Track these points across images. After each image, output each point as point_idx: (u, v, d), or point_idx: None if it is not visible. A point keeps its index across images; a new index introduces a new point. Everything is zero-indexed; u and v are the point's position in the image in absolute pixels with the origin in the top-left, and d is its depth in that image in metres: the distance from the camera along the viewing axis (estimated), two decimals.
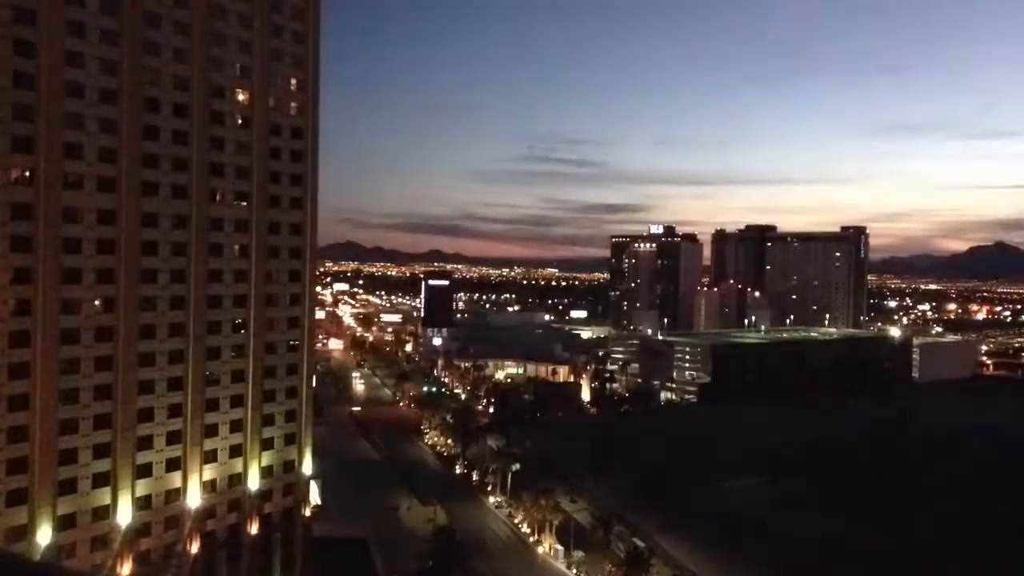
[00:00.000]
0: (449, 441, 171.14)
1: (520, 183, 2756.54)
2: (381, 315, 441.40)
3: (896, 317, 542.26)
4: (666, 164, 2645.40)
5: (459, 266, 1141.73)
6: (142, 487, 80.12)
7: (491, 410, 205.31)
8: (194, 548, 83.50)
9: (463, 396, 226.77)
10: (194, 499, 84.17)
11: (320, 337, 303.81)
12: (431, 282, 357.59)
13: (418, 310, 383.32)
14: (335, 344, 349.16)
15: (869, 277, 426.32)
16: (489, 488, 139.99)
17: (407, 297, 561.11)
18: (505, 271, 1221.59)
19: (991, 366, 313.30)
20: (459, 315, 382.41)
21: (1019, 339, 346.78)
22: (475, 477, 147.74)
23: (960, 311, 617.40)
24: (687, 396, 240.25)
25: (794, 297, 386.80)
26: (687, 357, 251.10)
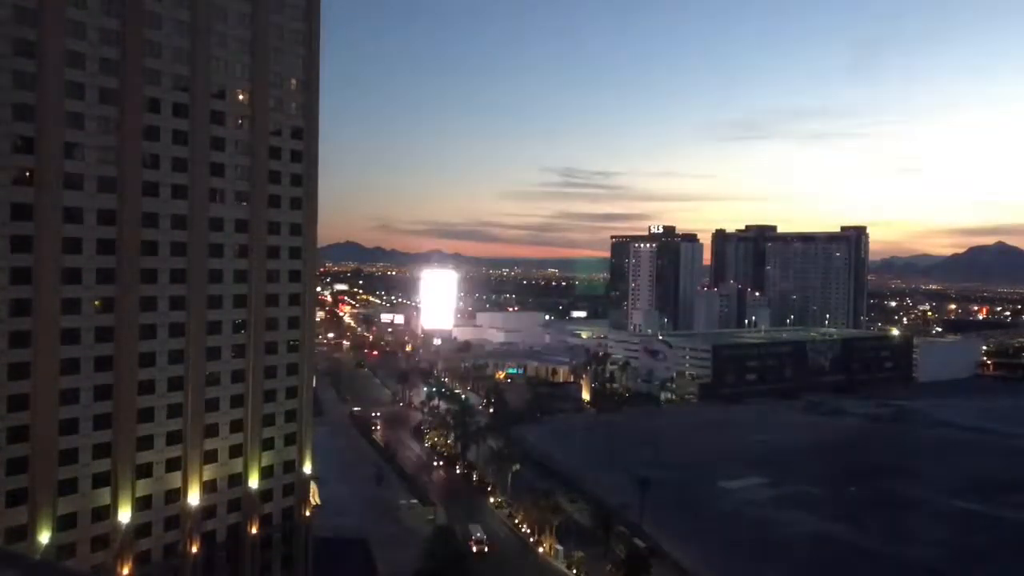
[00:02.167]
0: (449, 441, 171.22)
1: (543, 201, 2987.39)
2: (381, 315, 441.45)
3: (896, 317, 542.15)
4: (670, 189, 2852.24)
5: (459, 266, 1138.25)
6: (142, 487, 79.99)
7: (491, 410, 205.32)
8: (194, 548, 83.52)
9: (463, 396, 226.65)
10: (194, 499, 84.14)
11: (320, 337, 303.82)
12: (431, 282, 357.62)
13: (418, 310, 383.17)
14: (335, 344, 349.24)
15: (869, 277, 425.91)
16: (489, 488, 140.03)
17: (407, 297, 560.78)
18: (505, 271, 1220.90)
19: (991, 366, 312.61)
20: (459, 315, 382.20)
21: (1019, 339, 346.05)
22: (475, 477, 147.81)
23: (960, 311, 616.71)
24: (687, 396, 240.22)
25: (794, 297, 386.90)
26: (687, 357, 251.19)
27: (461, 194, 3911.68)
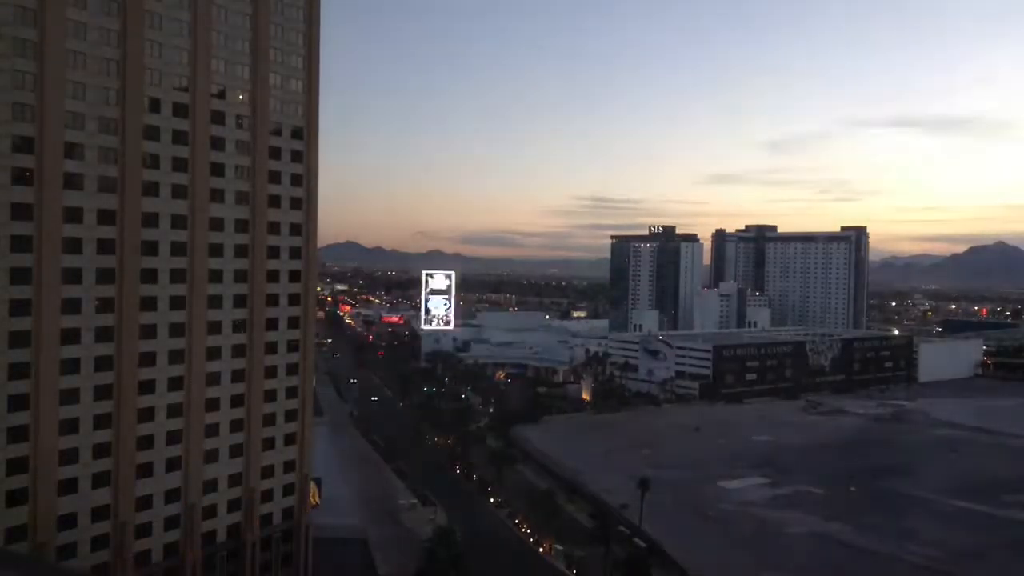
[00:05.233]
0: (449, 441, 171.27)
1: (561, 216, 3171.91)
2: (381, 315, 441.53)
3: (896, 317, 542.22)
4: (672, 209, 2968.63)
5: (461, 266, 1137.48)
6: (142, 487, 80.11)
7: (491, 410, 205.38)
8: (194, 548, 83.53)
9: (463, 396, 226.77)
10: (194, 499, 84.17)
11: (320, 337, 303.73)
12: (431, 281, 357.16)
13: (418, 310, 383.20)
14: (335, 344, 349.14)
15: (869, 277, 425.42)
16: (489, 488, 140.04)
17: (407, 297, 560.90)
18: (506, 272, 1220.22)
19: (991, 366, 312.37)
20: (459, 315, 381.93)
21: (1019, 339, 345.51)
22: (475, 477, 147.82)
23: (960, 311, 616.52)
24: (687, 395, 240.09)
25: (794, 297, 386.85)
26: (687, 356, 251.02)
27: (487, 207, 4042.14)
